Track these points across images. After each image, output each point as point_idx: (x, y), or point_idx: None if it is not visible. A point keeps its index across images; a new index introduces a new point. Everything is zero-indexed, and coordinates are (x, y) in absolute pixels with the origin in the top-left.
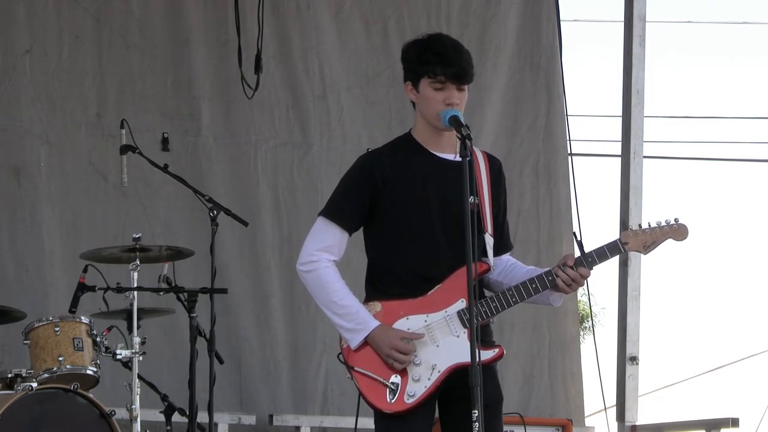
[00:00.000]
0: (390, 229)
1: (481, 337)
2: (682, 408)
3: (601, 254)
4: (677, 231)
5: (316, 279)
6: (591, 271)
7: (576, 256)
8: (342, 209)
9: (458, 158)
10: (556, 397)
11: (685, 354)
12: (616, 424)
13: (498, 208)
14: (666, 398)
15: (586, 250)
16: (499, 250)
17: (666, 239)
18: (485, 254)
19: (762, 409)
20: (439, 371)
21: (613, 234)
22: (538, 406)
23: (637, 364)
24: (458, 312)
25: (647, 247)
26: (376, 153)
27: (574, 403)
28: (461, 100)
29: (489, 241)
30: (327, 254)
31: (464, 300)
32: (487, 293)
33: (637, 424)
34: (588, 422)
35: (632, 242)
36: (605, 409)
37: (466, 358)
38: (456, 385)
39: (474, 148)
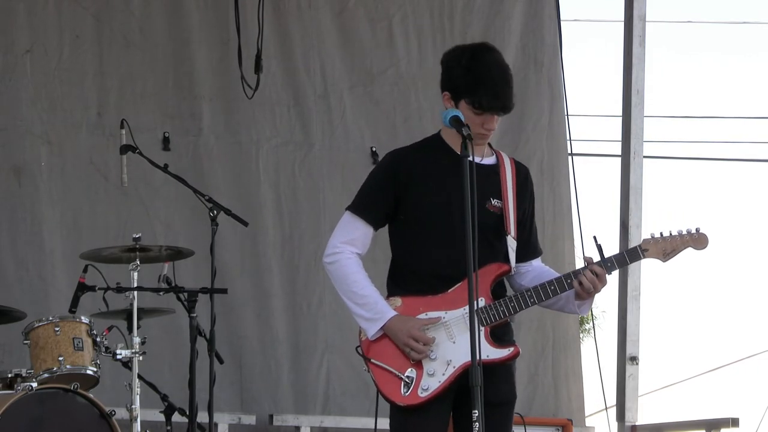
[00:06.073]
0: (413, 228)
1: (500, 335)
2: (682, 408)
3: (621, 260)
4: (698, 240)
5: (338, 269)
6: (607, 275)
7: (596, 261)
8: (367, 204)
9: (484, 161)
10: (559, 396)
11: (685, 354)
12: (616, 424)
13: (523, 213)
14: (666, 398)
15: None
16: (527, 256)
17: (686, 248)
18: (507, 256)
19: (762, 409)
20: (454, 367)
21: (613, 234)
22: (542, 405)
23: (637, 364)
24: (476, 310)
25: (667, 255)
26: (403, 150)
27: (576, 402)
28: (497, 124)
29: (511, 243)
30: (351, 247)
31: (483, 299)
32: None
33: (637, 424)
34: (588, 422)
35: (652, 249)
36: (605, 409)
37: (482, 355)
38: (466, 386)
39: (502, 153)
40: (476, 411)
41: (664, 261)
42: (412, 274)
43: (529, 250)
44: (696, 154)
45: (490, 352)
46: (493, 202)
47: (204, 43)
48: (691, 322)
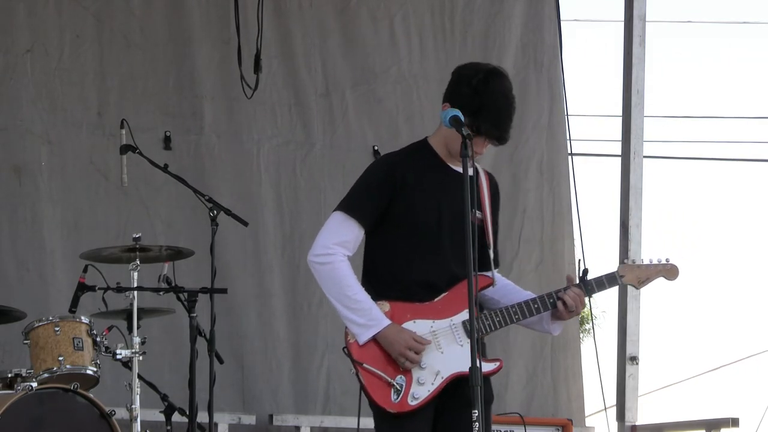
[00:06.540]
0: (401, 235)
1: (482, 350)
2: (682, 408)
3: (600, 284)
4: (670, 271)
5: (331, 272)
6: (587, 298)
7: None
8: (363, 206)
9: (469, 173)
10: (558, 397)
11: (685, 354)
12: (616, 424)
13: (495, 225)
14: (666, 398)
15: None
16: (488, 265)
17: (659, 277)
18: (489, 269)
19: (762, 409)
20: (442, 377)
21: (613, 234)
22: (541, 405)
23: (637, 364)
24: (463, 322)
25: (641, 282)
26: (398, 156)
27: (575, 402)
28: (486, 150)
29: (491, 256)
30: (343, 249)
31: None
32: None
33: (637, 424)
34: (588, 422)
35: (628, 275)
36: (605, 409)
37: (467, 367)
38: (449, 389)
39: (477, 165)
40: (476, 411)
41: (638, 288)
42: (394, 281)
43: (494, 260)
44: (696, 154)
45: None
46: (475, 214)
47: (205, 42)
48: (691, 322)
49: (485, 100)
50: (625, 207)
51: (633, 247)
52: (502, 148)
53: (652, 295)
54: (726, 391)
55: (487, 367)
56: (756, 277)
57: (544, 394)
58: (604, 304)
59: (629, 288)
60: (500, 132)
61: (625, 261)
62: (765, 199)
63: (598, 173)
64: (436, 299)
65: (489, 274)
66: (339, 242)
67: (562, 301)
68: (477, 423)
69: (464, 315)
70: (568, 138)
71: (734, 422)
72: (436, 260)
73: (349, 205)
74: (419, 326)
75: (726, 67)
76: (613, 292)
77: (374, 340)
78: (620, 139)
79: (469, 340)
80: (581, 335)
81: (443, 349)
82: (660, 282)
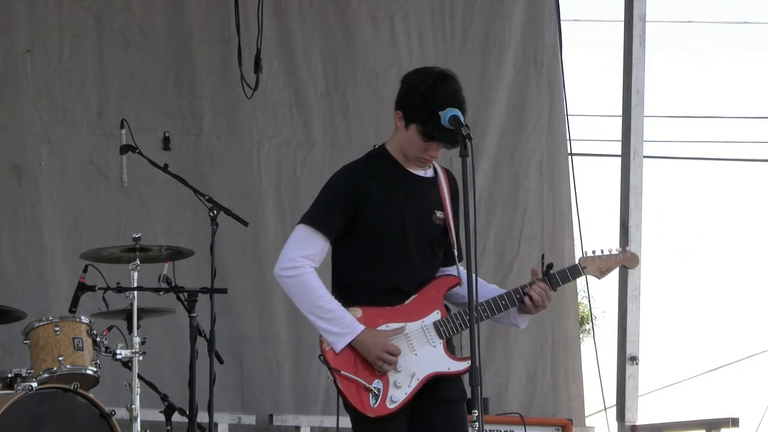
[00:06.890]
0: (367, 243)
1: (450, 350)
2: (682, 408)
3: (564, 276)
4: (630, 259)
5: (300, 284)
6: (552, 291)
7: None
8: (328, 219)
9: (428, 174)
10: (559, 397)
11: (685, 354)
12: (616, 424)
13: (456, 220)
14: (666, 398)
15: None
16: (450, 261)
17: (619, 266)
18: (454, 263)
19: (762, 409)
20: (418, 379)
21: (613, 234)
22: (541, 405)
23: (637, 364)
24: (434, 323)
25: (603, 272)
26: (360, 165)
27: (575, 402)
28: (440, 153)
29: (455, 254)
30: (310, 261)
31: (439, 311)
32: (453, 309)
33: (637, 424)
34: (588, 422)
35: (590, 266)
36: (605, 409)
37: (442, 367)
38: (423, 388)
39: (435, 163)
40: (476, 411)
41: (599, 278)
42: (364, 288)
43: (457, 255)
44: (696, 154)
45: (451, 365)
46: (437, 214)
47: (205, 43)
48: (691, 322)
49: (435, 105)
50: (625, 207)
51: (633, 247)
52: (502, 147)
53: (652, 295)
54: (726, 391)
55: (456, 366)
56: (756, 278)
57: (544, 394)
58: (604, 304)
59: (629, 288)
60: (451, 137)
61: (585, 252)
62: (765, 199)
63: (598, 173)
64: (406, 302)
65: (454, 271)
66: (305, 255)
67: (529, 297)
68: (477, 423)
69: (435, 316)
70: (568, 138)
71: (734, 422)
72: (404, 265)
73: (314, 218)
74: (396, 329)
75: (726, 67)
76: (613, 292)
77: (350, 346)
78: (620, 139)
79: (441, 341)
80: (581, 335)
81: (417, 351)
82: (660, 282)
